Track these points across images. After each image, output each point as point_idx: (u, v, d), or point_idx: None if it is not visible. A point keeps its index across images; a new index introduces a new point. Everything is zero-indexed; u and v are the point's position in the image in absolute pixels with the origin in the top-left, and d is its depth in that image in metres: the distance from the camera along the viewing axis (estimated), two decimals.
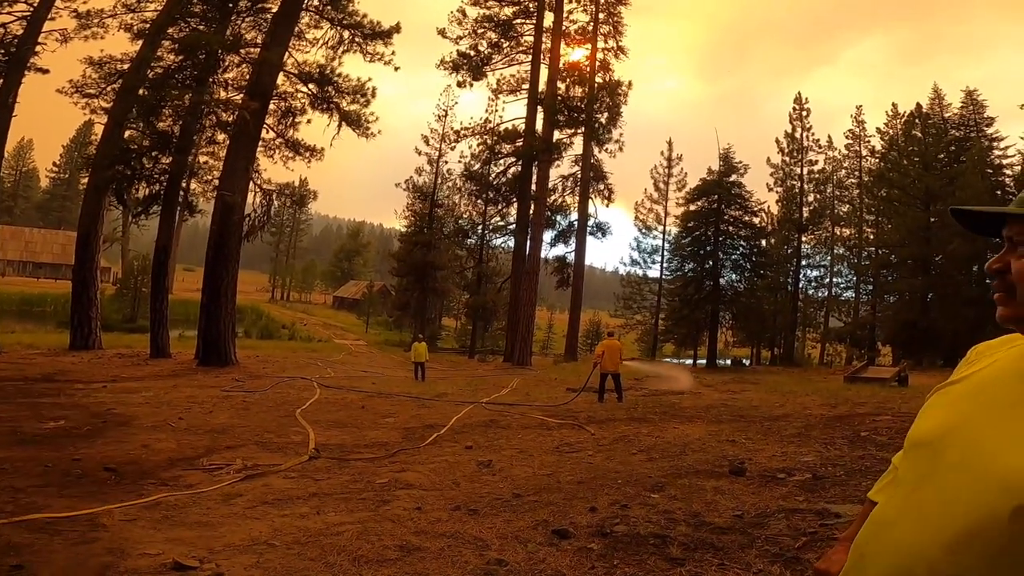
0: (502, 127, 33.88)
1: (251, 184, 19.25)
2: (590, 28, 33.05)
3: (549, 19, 32.07)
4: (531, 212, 31.24)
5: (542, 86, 31.78)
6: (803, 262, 38.55)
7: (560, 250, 34.79)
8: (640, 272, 40.87)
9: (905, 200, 31.98)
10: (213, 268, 18.23)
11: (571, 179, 33.89)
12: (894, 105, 37.47)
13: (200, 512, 4.40)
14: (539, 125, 31.53)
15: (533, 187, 31.69)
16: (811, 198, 38.50)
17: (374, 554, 3.57)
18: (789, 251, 37.82)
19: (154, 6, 19.77)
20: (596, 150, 33.02)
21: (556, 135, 31.86)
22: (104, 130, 19.42)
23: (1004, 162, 31.73)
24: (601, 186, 33.70)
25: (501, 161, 34.46)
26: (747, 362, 36.79)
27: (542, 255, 32.34)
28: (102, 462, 5.68)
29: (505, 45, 32.74)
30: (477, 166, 34.97)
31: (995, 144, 32.38)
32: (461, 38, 32.08)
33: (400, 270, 40.24)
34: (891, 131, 37.09)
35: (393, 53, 21.10)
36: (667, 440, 7.35)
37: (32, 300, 44.11)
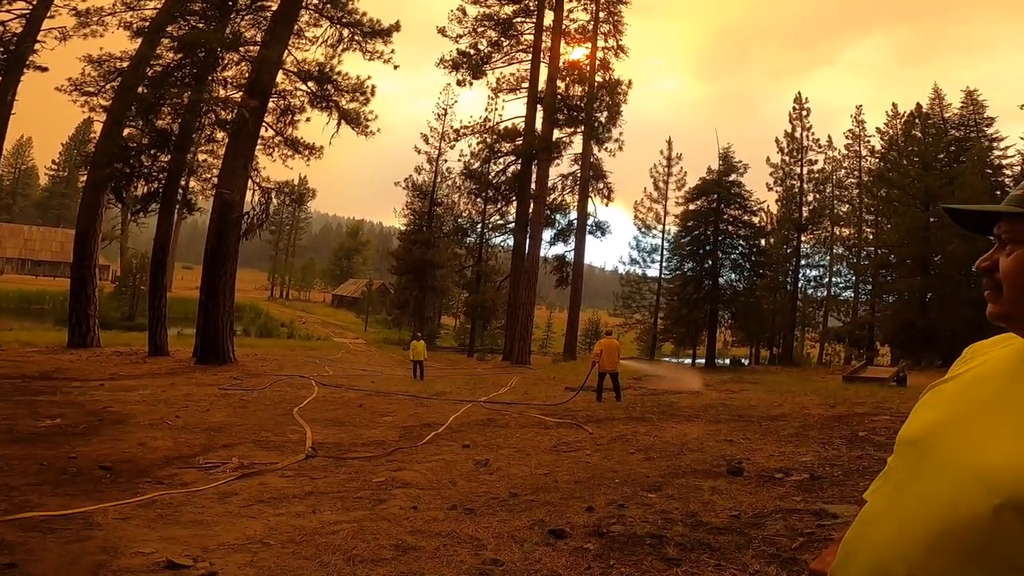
0: (502, 126, 33.92)
1: (250, 182, 19.23)
2: (590, 27, 33.02)
3: (549, 18, 32.04)
4: (530, 211, 31.22)
5: (542, 85, 31.76)
6: (802, 262, 38.52)
7: (559, 249, 34.82)
8: (639, 271, 40.81)
9: (905, 200, 31.95)
10: (211, 266, 18.20)
11: (571, 178, 33.90)
12: (894, 105, 37.44)
13: (195, 511, 4.39)
14: (539, 124, 31.50)
15: (532, 186, 31.67)
16: (811, 198, 38.46)
17: (369, 553, 3.56)
18: (788, 251, 37.78)
19: (153, 4, 19.73)
20: (596, 149, 32.99)
21: (556, 134, 31.84)
22: (103, 128, 19.38)
23: (1004, 162, 31.70)
24: (600, 185, 33.68)
25: (501, 160, 34.46)
26: (746, 361, 36.77)
27: (541, 254, 32.34)
28: (98, 460, 5.67)
29: (505, 44, 32.73)
30: (476, 165, 34.96)
31: (995, 144, 32.34)
32: (461, 36, 32.07)
33: (399, 268, 40.24)
34: (891, 131, 37.04)
35: (393, 51, 21.12)
36: (665, 440, 7.34)
37: (31, 298, 44.09)
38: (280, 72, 19.66)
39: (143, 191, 19.87)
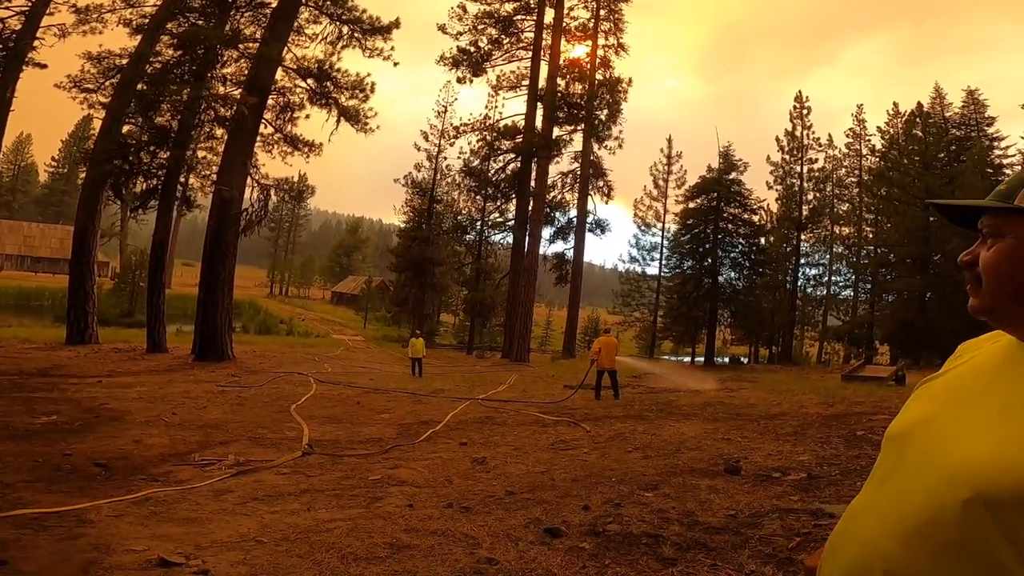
0: (502, 123, 33.88)
1: (249, 179, 19.22)
2: (591, 25, 32.99)
3: (550, 15, 32.01)
4: (530, 208, 31.21)
5: (542, 82, 31.72)
6: (802, 260, 38.45)
7: (559, 247, 34.85)
8: (639, 269, 40.77)
9: (905, 199, 31.92)
10: (210, 263, 18.18)
11: (570, 176, 33.87)
12: (895, 104, 37.34)
13: (189, 508, 4.37)
14: (539, 121, 31.48)
15: (532, 183, 31.65)
16: (811, 196, 38.37)
17: (363, 551, 3.54)
18: (788, 249, 37.73)
19: (153, 1, 19.68)
20: (596, 147, 32.98)
21: (556, 132, 31.82)
22: (102, 125, 19.35)
23: (1004, 162, 31.65)
24: (600, 183, 33.68)
25: (500, 157, 34.43)
26: (745, 360, 36.76)
27: (541, 251, 32.37)
28: (92, 457, 5.65)
29: (505, 41, 32.69)
30: (476, 162, 34.91)
31: (995, 144, 32.32)
32: (461, 34, 32.04)
33: (398, 266, 40.18)
34: (892, 130, 36.95)
35: (392, 49, 21.05)
36: (663, 438, 7.32)
37: (30, 294, 44.04)
38: (279, 69, 19.62)
39: (142, 188, 19.83)
